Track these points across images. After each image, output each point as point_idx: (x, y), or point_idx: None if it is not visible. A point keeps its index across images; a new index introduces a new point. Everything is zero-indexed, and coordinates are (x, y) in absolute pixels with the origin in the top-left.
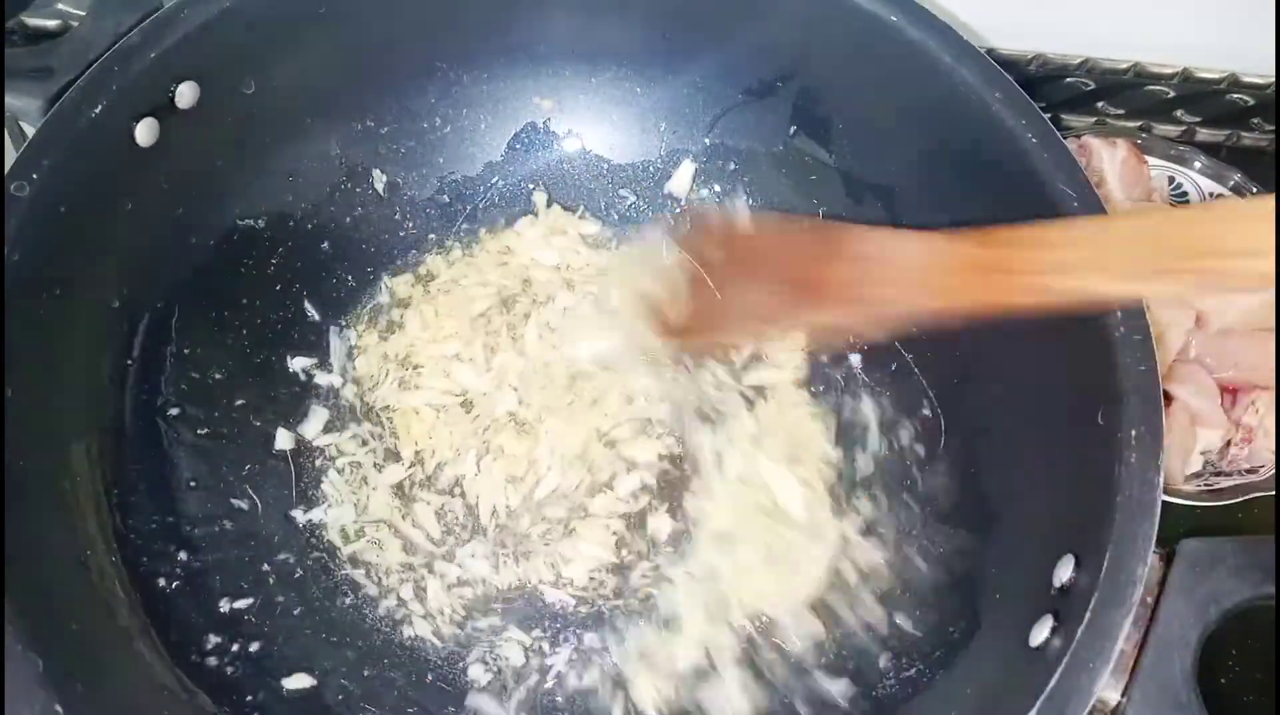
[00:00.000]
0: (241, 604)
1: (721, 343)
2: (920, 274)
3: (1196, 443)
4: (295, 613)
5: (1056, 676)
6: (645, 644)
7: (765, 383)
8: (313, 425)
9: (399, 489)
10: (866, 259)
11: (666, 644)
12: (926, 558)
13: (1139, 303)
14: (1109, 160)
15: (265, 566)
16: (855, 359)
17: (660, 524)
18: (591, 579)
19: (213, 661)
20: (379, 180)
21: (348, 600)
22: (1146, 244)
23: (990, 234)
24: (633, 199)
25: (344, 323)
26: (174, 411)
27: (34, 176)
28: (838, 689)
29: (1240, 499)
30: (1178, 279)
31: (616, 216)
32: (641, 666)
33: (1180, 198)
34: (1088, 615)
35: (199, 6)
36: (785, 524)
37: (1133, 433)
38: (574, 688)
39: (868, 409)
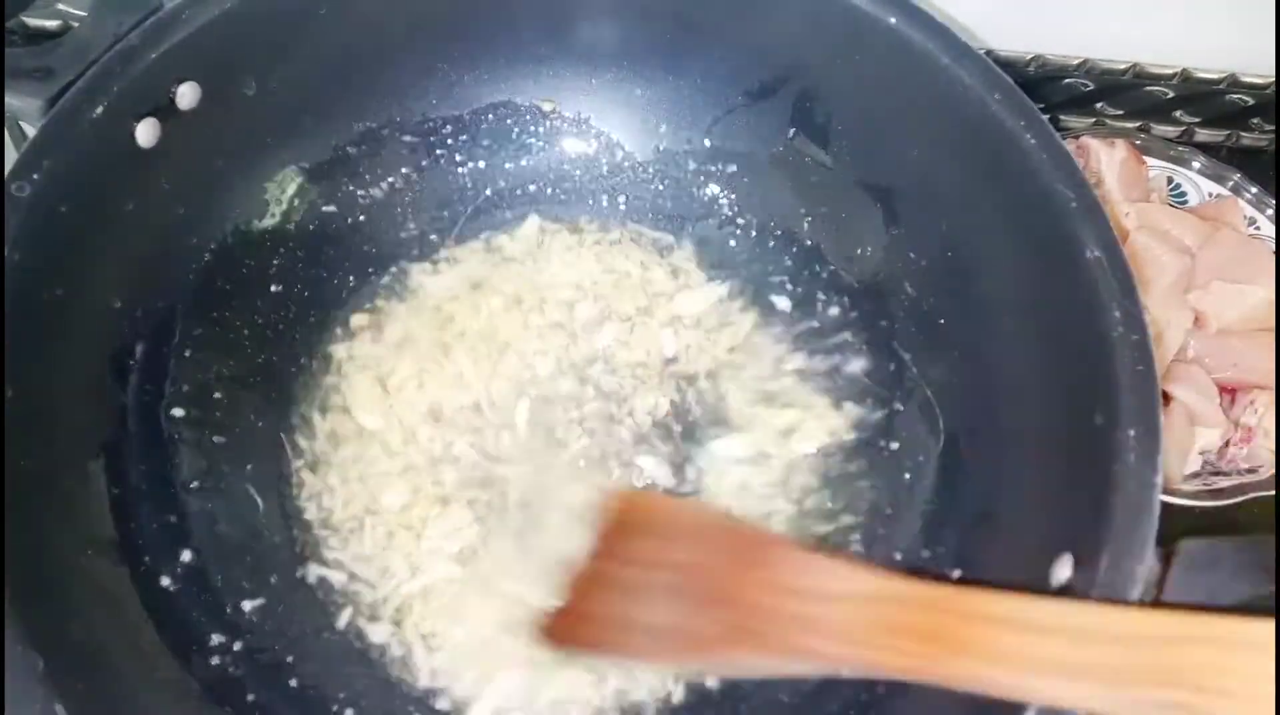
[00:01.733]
0: (244, 604)
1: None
2: (859, 626)
3: (1195, 442)
4: (299, 611)
5: None
6: None
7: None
8: (315, 424)
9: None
10: (804, 593)
11: None
12: (925, 559)
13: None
14: (1108, 161)
15: (268, 566)
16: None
17: None
18: None
19: (215, 661)
20: (379, 181)
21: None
22: (1138, 659)
23: (950, 596)
24: (632, 200)
25: (344, 323)
26: (176, 411)
27: (34, 177)
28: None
29: (1239, 499)
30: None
31: (614, 221)
32: None
33: (1179, 198)
34: None
35: (200, 7)
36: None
37: (1131, 433)
38: None
39: (865, 409)
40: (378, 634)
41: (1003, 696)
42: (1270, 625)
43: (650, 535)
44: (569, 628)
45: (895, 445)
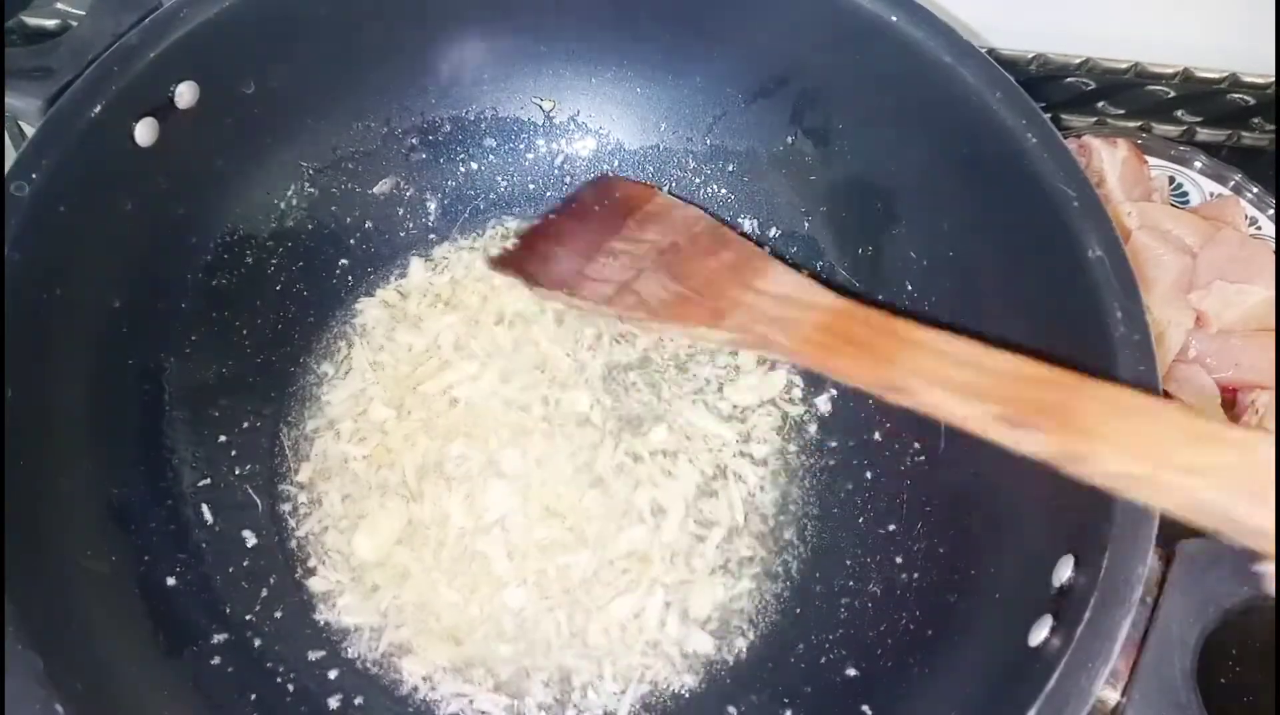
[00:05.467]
0: (244, 604)
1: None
2: (806, 327)
3: None
4: (298, 611)
5: (1056, 677)
6: None
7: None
8: (314, 425)
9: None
10: (770, 296)
11: None
12: (926, 559)
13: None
14: (1109, 160)
15: (267, 567)
16: None
17: None
18: None
19: (215, 661)
20: (379, 181)
21: None
22: (998, 383)
23: (881, 317)
24: None
25: (343, 323)
26: (175, 411)
27: (34, 176)
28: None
29: None
30: (1010, 426)
31: None
32: None
33: (1181, 198)
34: (1087, 615)
35: (199, 6)
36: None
37: None
38: None
39: (866, 409)
40: (375, 635)
41: (889, 395)
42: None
43: (638, 216)
44: (532, 261)
45: (897, 446)
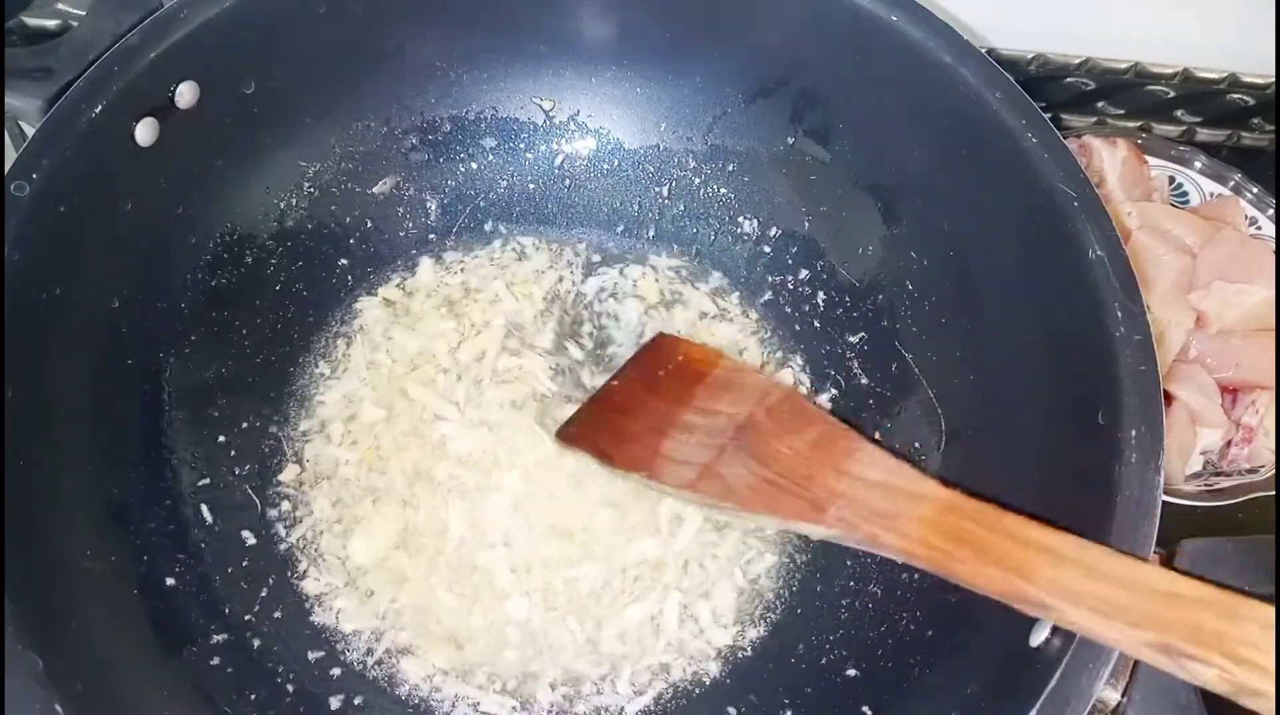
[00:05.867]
0: (243, 604)
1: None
2: (913, 523)
3: (1197, 442)
4: (297, 612)
5: (1056, 677)
6: None
7: None
8: (306, 426)
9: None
10: (866, 483)
11: None
12: None
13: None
14: (1109, 160)
15: (265, 568)
16: (854, 363)
17: None
18: None
19: (215, 661)
20: (379, 181)
21: None
22: (1147, 603)
23: (992, 514)
24: (633, 200)
25: (343, 323)
26: (175, 411)
27: (34, 176)
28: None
29: (1240, 499)
30: (1167, 657)
31: (617, 218)
32: None
33: (1181, 198)
34: None
35: (199, 6)
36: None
37: (1133, 432)
38: None
39: (868, 410)
40: (375, 636)
41: (1025, 610)
42: None
43: (706, 382)
44: (603, 436)
45: (897, 444)
